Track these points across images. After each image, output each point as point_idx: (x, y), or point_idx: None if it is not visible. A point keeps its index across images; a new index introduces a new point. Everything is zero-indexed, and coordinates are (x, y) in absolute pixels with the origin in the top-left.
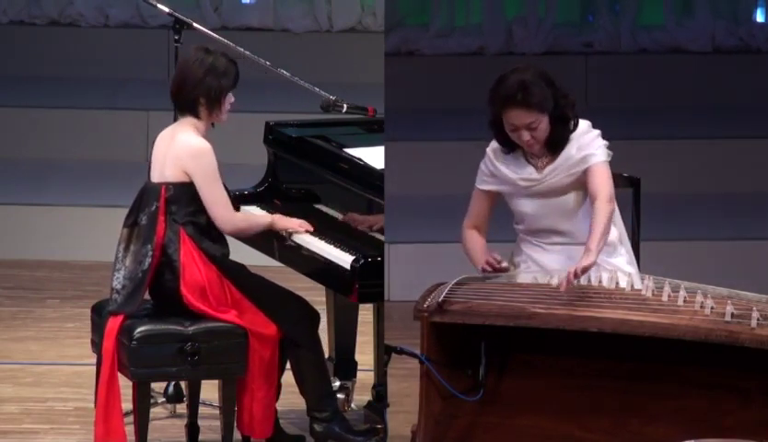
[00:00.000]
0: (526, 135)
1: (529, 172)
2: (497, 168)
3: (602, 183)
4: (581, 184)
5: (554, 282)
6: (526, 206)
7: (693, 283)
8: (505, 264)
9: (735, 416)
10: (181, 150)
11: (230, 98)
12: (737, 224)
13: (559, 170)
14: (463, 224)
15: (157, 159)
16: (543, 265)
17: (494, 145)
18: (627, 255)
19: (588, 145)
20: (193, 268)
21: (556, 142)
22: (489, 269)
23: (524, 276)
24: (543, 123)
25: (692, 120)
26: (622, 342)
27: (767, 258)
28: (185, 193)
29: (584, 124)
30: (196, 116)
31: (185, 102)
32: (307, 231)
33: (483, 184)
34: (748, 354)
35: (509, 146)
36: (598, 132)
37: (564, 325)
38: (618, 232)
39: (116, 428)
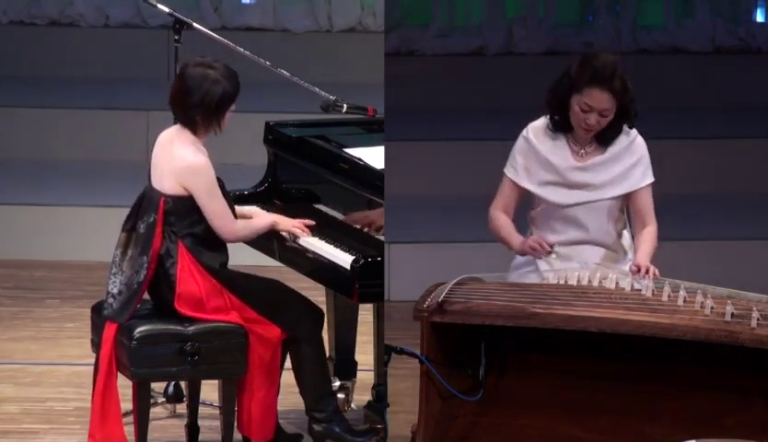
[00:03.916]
0: (593, 120)
1: (570, 158)
2: (536, 151)
3: (651, 209)
4: (622, 194)
5: (562, 281)
6: (558, 195)
7: (693, 283)
8: (549, 250)
9: (735, 416)
10: (179, 166)
11: (231, 107)
12: (737, 224)
13: (606, 167)
14: (491, 207)
15: (156, 165)
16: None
17: (534, 125)
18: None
19: (645, 163)
20: (190, 281)
21: (609, 135)
22: (536, 248)
23: (532, 277)
24: (612, 113)
25: (692, 120)
26: (622, 342)
27: (767, 258)
28: (183, 206)
29: (640, 137)
30: (193, 132)
31: (183, 117)
32: (308, 229)
33: (514, 174)
34: (748, 354)
35: (558, 127)
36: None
37: (564, 325)
38: (630, 238)
39: (114, 434)
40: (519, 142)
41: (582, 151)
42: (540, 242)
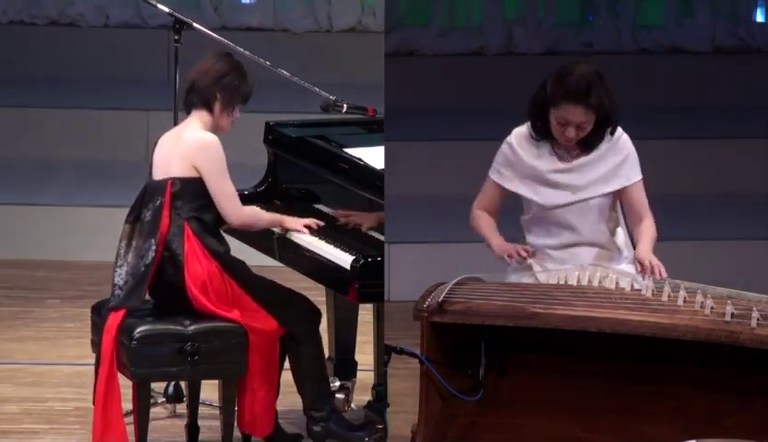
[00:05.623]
0: (572, 132)
1: (554, 162)
2: (519, 157)
3: (645, 203)
4: (611, 191)
5: (562, 281)
6: (544, 195)
7: (693, 283)
8: (529, 261)
9: (735, 416)
10: (189, 145)
11: (237, 111)
12: (736, 224)
13: (592, 167)
14: (473, 205)
15: (161, 158)
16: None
17: (518, 132)
18: (629, 257)
19: (632, 160)
20: (196, 262)
21: (592, 142)
22: (514, 258)
23: (530, 277)
24: (591, 124)
25: (692, 120)
26: (623, 342)
27: (767, 258)
28: (191, 188)
29: (625, 135)
30: (209, 110)
31: (201, 94)
32: (315, 227)
33: (498, 177)
34: (748, 354)
35: (541, 135)
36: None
37: (564, 325)
38: (624, 235)
39: (115, 425)
40: (503, 148)
41: (567, 156)
42: (517, 251)
